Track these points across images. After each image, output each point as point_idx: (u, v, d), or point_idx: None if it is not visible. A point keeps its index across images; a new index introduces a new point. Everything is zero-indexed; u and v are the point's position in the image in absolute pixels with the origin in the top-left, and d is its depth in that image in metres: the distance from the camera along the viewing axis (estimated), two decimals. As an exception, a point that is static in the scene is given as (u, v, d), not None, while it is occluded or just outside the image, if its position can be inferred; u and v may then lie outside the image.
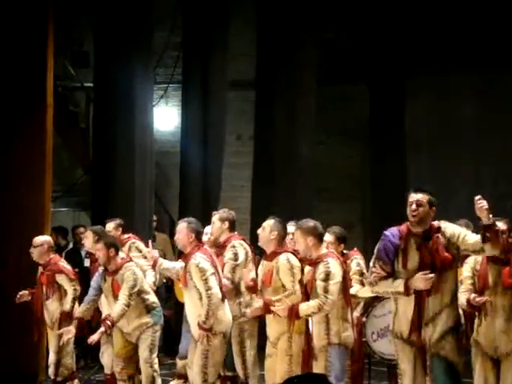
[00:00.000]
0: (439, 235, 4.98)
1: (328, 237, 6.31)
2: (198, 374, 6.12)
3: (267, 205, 10.12)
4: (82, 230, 9.45)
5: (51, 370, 7.13)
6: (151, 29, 10.27)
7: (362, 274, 6.50)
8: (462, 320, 5.12)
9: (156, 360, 6.64)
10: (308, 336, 5.66)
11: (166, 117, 12.62)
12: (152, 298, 6.70)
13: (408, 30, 11.06)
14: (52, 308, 7.12)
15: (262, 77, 10.88)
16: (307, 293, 5.66)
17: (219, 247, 6.80)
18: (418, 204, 5.02)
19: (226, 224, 6.77)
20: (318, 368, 5.58)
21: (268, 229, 6.08)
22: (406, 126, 11.19)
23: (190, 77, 10.77)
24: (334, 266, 5.59)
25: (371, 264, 5.20)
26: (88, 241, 7.18)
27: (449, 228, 5.04)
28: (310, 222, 5.77)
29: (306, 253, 5.71)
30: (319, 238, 5.73)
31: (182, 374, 7.14)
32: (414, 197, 5.05)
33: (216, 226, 6.78)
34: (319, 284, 5.53)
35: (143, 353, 6.58)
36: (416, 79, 11.31)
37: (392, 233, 5.10)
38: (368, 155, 11.62)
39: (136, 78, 9.80)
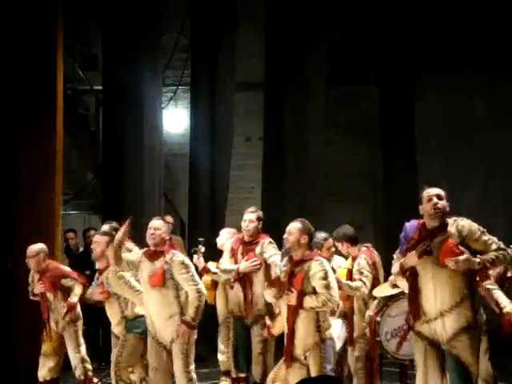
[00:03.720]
0: (452, 231, 4.99)
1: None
2: (181, 376, 6.12)
3: (277, 205, 10.12)
4: (93, 232, 9.45)
5: (79, 371, 7.12)
6: (160, 31, 10.27)
7: (361, 273, 6.56)
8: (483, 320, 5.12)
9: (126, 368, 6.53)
10: (291, 340, 5.66)
11: (175, 119, 12.64)
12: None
13: (417, 30, 11.06)
14: (61, 311, 7.12)
15: (270, 77, 10.88)
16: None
17: (247, 244, 6.92)
18: (439, 197, 5.06)
19: (261, 223, 6.97)
20: (312, 365, 5.61)
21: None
22: (415, 125, 11.18)
23: (198, 79, 10.79)
24: (328, 265, 5.75)
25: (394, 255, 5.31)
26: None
27: (466, 226, 5.02)
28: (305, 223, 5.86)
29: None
30: (310, 238, 5.83)
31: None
32: (433, 191, 5.09)
33: (254, 225, 6.91)
34: (321, 282, 5.59)
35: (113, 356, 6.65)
36: (425, 78, 11.30)
37: (411, 225, 5.17)
38: (378, 155, 11.61)
39: (145, 81, 9.81)
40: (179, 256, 6.17)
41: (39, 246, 7.24)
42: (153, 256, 6.22)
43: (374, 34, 11.59)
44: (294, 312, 5.62)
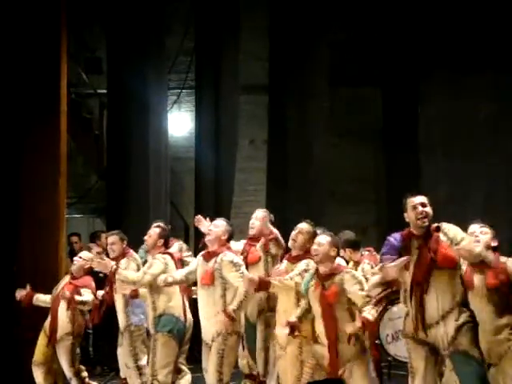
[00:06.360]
0: (439, 234, 5.02)
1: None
2: (212, 373, 6.15)
3: (281, 208, 10.11)
4: (104, 235, 9.39)
5: (76, 382, 7.03)
6: (164, 34, 10.30)
7: (366, 279, 6.57)
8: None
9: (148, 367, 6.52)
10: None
11: (179, 122, 12.64)
12: None
13: (421, 32, 11.03)
14: (64, 320, 7.03)
15: (274, 80, 10.87)
16: None
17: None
18: (424, 205, 5.10)
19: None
20: (359, 379, 5.54)
21: (306, 236, 6.21)
22: (419, 127, 11.16)
23: (202, 82, 10.80)
24: (360, 275, 5.84)
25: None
26: (116, 246, 7.06)
27: (451, 230, 5.08)
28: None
29: None
30: (338, 252, 5.86)
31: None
32: (416, 200, 5.13)
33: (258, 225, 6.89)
34: (362, 294, 5.60)
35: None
36: (429, 80, 11.26)
37: (395, 237, 5.20)
38: (381, 157, 11.61)
39: (149, 84, 9.83)
40: (229, 255, 6.20)
41: (91, 255, 7.35)
42: (207, 257, 6.28)
43: (378, 36, 11.58)
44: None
